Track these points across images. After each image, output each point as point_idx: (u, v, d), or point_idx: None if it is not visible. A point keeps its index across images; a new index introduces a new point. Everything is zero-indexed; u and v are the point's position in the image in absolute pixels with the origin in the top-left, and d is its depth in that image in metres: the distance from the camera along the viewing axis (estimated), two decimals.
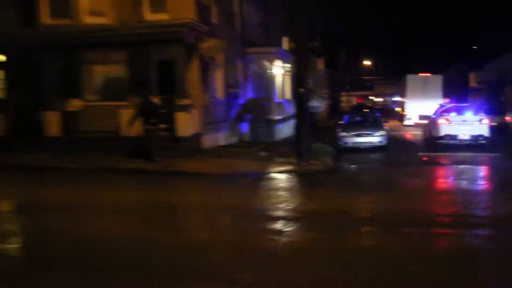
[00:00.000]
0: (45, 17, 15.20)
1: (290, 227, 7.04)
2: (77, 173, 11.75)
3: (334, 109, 29.51)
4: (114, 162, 12.49)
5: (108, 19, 15.07)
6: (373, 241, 6.36)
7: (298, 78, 13.60)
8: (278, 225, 7.14)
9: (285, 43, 21.51)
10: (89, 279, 4.89)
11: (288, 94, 22.56)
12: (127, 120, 13.14)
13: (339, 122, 18.72)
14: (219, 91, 17.19)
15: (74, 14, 15.08)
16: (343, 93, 52.17)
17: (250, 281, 4.91)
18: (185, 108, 14.15)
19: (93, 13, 15.14)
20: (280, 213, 7.95)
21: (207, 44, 14.98)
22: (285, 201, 9.02)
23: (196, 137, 14.57)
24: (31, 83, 15.37)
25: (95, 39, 14.85)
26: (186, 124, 14.11)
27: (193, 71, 14.85)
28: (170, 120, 14.09)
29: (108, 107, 14.91)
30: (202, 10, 15.26)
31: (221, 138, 16.65)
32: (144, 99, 12.71)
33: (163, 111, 14.06)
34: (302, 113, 13.27)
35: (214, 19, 16.36)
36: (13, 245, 6.45)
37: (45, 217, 7.65)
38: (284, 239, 6.41)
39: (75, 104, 15.11)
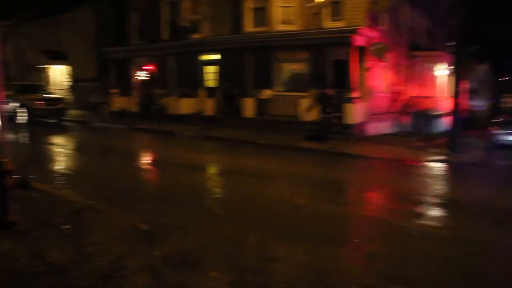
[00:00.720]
0: (248, 26, 19.72)
1: (429, 211, 7.72)
2: (262, 147, 14.79)
3: (496, 109, 29.23)
4: (291, 140, 15.50)
5: (295, 26, 18.70)
6: (496, 236, 6.52)
7: (456, 79, 14.97)
8: (419, 209, 7.82)
9: (448, 48, 22.85)
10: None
11: (448, 93, 23.80)
12: (304, 107, 16.72)
13: (497, 120, 19.22)
14: (384, 87, 19.71)
15: (269, 23, 19.17)
16: (506, 95, 49.88)
17: (373, 251, 5.81)
18: (353, 100, 16.65)
19: (283, 22, 19.01)
20: (423, 198, 8.68)
21: (375, 47, 17.53)
22: (430, 187, 9.80)
23: (361, 125, 17.06)
24: (235, 76, 19.97)
25: (284, 42, 18.47)
26: (353, 113, 16.58)
27: (362, 69, 17.59)
28: (340, 110, 17.13)
29: (291, 96, 18.54)
30: (373, 18, 17.74)
31: (383, 127, 19.03)
32: (322, 92, 15.95)
33: (336, 102, 17.36)
34: (458, 110, 14.76)
35: (384, 25, 18.89)
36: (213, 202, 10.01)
37: (234, 179, 10.19)
38: (419, 222, 7.06)
39: (266, 93, 19.24)
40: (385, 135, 18.18)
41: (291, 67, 19.89)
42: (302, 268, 5.32)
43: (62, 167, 11.34)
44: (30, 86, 24.05)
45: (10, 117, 20.88)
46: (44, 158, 12.53)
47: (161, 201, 8.20)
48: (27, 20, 34.81)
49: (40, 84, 26.57)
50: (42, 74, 33.74)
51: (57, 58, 31.47)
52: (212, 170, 11.96)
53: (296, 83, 19.16)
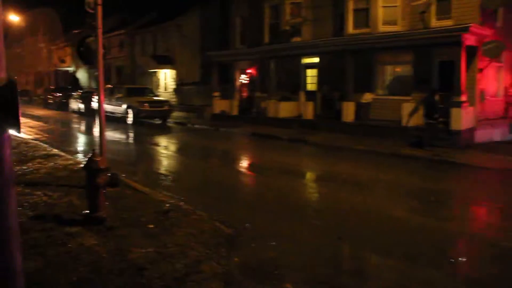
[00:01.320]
0: (350, 28, 19.16)
1: None
2: (361, 153, 14.15)
3: None
4: (392, 147, 14.69)
5: (399, 26, 17.83)
6: None
7: None
8: None
9: None
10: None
11: None
12: (407, 112, 15.87)
13: None
14: (499, 90, 18.13)
15: (372, 24, 18.46)
16: None
17: (472, 276, 5.21)
18: (461, 104, 15.29)
19: (386, 23, 18.20)
20: None
21: (488, 46, 16.17)
22: None
23: (469, 131, 15.79)
24: (335, 79, 19.53)
25: (387, 43, 17.51)
26: (460, 119, 15.24)
27: (472, 71, 16.19)
28: (446, 115, 16.02)
29: (393, 100, 17.75)
30: (486, 14, 16.35)
31: (495, 134, 17.50)
32: (426, 95, 15.04)
33: (441, 106, 16.28)
34: None
35: (498, 21, 17.37)
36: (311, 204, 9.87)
37: (329, 186, 9.88)
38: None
39: (367, 97, 18.58)
40: (498, 142, 16.72)
41: (393, 70, 19.05)
42: None
43: (159, 167, 11.77)
44: (139, 89, 25.55)
45: (121, 118, 22.35)
46: (143, 157, 13.12)
47: (251, 206, 8.13)
48: (140, 29, 37.22)
49: (147, 87, 28.10)
50: (152, 78, 35.78)
51: (165, 62, 33.17)
52: (307, 175, 11.69)
53: (399, 87, 18.29)
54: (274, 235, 6.24)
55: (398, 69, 18.86)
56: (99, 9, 8.07)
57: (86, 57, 8.39)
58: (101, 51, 8.21)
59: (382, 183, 10.24)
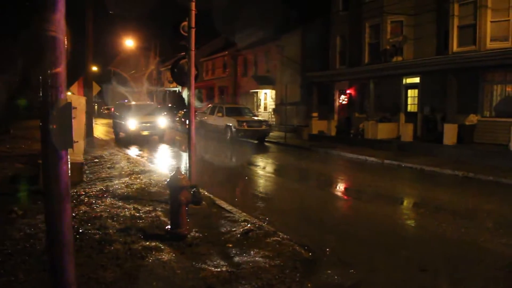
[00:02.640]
0: (454, 46, 18.20)
1: None
2: (462, 179, 13.18)
3: None
4: (497, 172, 13.35)
5: (509, 43, 16.61)
6: None
7: None
8: None
9: None
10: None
11: None
12: None
13: None
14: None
15: (478, 41, 17.39)
16: None
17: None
18: None
19: (495, 39, 17.00)
20: None
21: None
22: None
23: None
24: (437, 100, 18.62)
25: (495, 61, 16.28)
26: None
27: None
28: None
29: (502, 122, 16.51)
30: None
31: None
32: None
33: None
34: None
35: None
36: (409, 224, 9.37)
37: (422, 213, 9.42)
38: None
39: (472, 118, 17.40)
40: None
41: (502, 89, 17.65)
42: None
43: (250, 186, 11.93)
44: (237, 108, 26.23)
45: (221, 136, 23.17)
46: (235, 176, 13.36)
47: (337, 230, 7.92)
48: (242, 50, 38.41)
49: (247, 107, 28.76)
50: (252, 98, 36.65)
51: (266, 83, 33.83)
52: (402, 201, 11.13)
53: (508, 108, 16.92)
54: (354, 263, 6.01)
55: (509, 89, 17.46)
56: (193, 32, 8.45)
57: (178, 78, 8.80)
58: (193, 72, 8.58)
59: (481, 213, 9.40)
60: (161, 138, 23.52)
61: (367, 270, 5.83)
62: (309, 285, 5.14)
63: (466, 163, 15.12)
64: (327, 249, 6.52)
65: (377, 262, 6.18)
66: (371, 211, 9.33)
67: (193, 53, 8.55)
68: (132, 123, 22.23)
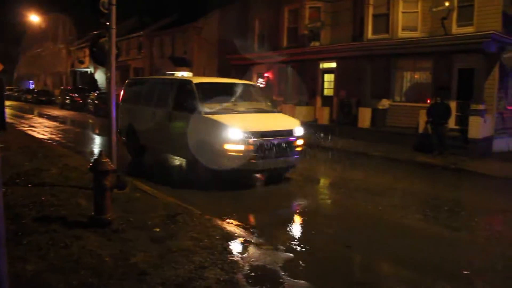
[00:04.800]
0: (368, 33, 18.96)
1: None
2: (376, 159, 14.00)
3: None
4: (407, 153, 14.57)
5: (418, 33, 17.60)
6: None
7: None
8: None
9: None
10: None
11: None
12: (425, 119, 15.57)
13: None
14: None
15: (391, 30, 18.24)
16: None
17: (463, 277, 5.24)
18: (479, 113, 15.01)
19: (406, 29, 17.96)
20: None
21: (509, 54, 15.84)
22: None
23: (487, 140, 15.54)
24: (352, 85, 19.33)
25: (405, 49, 17.30)
26: (478, 127, 14.99)
27: (492, 79, 15.90)
28: (464, 123, 15.73)
29: (410, 107, 17.50)
30: (509, 21, 16.00)
31: None
32: (435, 102, 14.82)
33: (459, 114, 16.01)
34: None
35: None
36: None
37: (339, 191, 9.83)
38: None
39: (384, 103, 18.30)
40: None
41: (412, 76, 18.71)
42: None
43: (172, 170, 11.71)
44: None
45: None
46: (157, 160, 13.01)
47: (265, 209, 8.00)
48: (159, 31, 37.43)
49: None
50: None
51: (182, 64, 33.24)
52: (319, 181, 11.49)
53: (417, 93, 18.00)
54: (284, 240, 6.13)
55: (417, 76, 18.55)
56: (113, 9, 8.03)
57: (98, 58, 8.36)
58: (114, 51, 8.18)
59: (394, 191, 10.04)
60: (74, 121, 22.35)
61: (296, 248, 5.95)
62: (241, 264, 5.13)
63: (380, 144, 15.97)
64: (257, 230, 6.57)
65: (304, 240, 6.31)
66: (293, 191, 9.57)
67: (114, 32, 8.14)
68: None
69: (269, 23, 24.92)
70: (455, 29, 16.64)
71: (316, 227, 7.07)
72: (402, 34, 17.96)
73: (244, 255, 5.42)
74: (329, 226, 7.17)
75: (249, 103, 10.61)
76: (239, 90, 10.73)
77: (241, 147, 8.81)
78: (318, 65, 21.79)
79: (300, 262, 5.47)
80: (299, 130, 9.77)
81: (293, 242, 6.21)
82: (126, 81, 13.89)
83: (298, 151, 9.79)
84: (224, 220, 6.90)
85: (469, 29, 16.17)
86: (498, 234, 7.34)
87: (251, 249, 5.67)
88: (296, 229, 7.07)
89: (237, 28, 28.22)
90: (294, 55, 21.55)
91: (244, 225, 6.81)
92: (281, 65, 23.05)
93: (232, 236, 6.05)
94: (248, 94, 11.12)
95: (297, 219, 7.64)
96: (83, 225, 5.93)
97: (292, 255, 5.66)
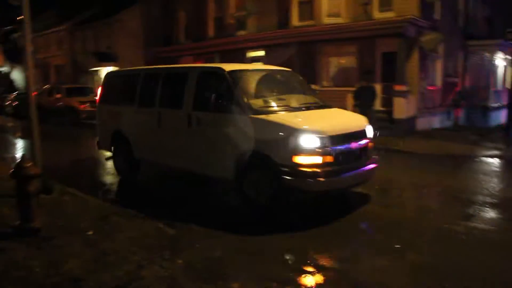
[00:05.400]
0: (294, 21, 19.18)
1: (481, 212, 6.99)
2: None
3: None
4: None
5: (342, 19, 18.00)
6: None
7: None
8: (470, 210, 7.13)
9: (508, 35, 21.59)
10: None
11: (506, 84, 22.56)
12: (352, 103, 15.99)
13: None
14: (437, 79, 18.67)
15: (316, 16, 18.55)
16: None
17: (411, 258, 5.23)
18: (403, 94, 15.78)
19: (330, 15, 18.33)
20: (474, 197, 7.87)
21: (427, 38, 16.56)
22: (483, 185, 8.89)
23: (411, 119, 16.29)
24: None
25: (331, 35, 17.75)
26: (402, 107, 15.75)
27: (412, 61, 16.62)
28: (389, 104, 16.35)
29: (338, 91, 17.87)
30: (425, 6, 16.71)
31: (435, 121, 18.10)
32: (361, 85, 15.29)
33: (384, 96, 16.61)
34: None
35: (436, 14, 17.84)
36: None
37: None
38: (469, 224, 6.40)
39: (313, 88, 18.62)
40: (437, 129, 17.29)
41: (338, 61, 19.17)
42: None
43: (100, 170, 11.27)
44: (78, 88, 24.53)
45: (60, 119, 21.43)
46: (84, 161, 12.47)
47: (191, 203, 7.88)
48: (80, 25, 35.90)
49: (88, 86, 27.03)
50: (94, 77, 34.61)
51: (108, 60, 32.12)
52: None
53: (344, 78, 18.46)
54: (219, 235, 6.04)
55: (343, 61, 19.03)
56: (26, 1, 7.50)
57: (12, 55, 7.82)
58: (29, 48, 7.69)
59: None
60: None
61: (230, 240, 5.88)
62: (179, 261, 5.02)
63: None
64: (191, 224, 6.41)
65: (236, 230, 6.25)
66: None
67: (28, 26, 7.64)
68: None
69: (194, 13, 24.57)
70: (377, 14, 17.17)
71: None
72: (327, 20, 18.31)
73: (182, 252, 5.29)
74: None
75: (298, 96, 7.93)
76: (282, 79, 8.46)
77: (319, 159, 6.28)
78: (246, 54, 21.77)
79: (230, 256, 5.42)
80: (369, 130, 7.42)
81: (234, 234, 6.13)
82: (106, 74, 10.60)
83: (375, 158, 7.53)
84: (160, 219, 6.69)
85: (389, 14, 16.74)
86: (427, 208, 7.64)
87: (188, 244, 5.57)
88: None
89: (162, 20, 27.62)
90: (222, 45, 21.42)
91: (179, 221, 6.61)
92: (209, 55, 22.83)
93: (167, 233, 5.91)
94: (292, 84, 8.54)
95: None
96: (8, 236, 5.54)
97: (228, 247, 5.59)
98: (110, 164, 10.93)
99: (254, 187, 6.78)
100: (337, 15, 18.19)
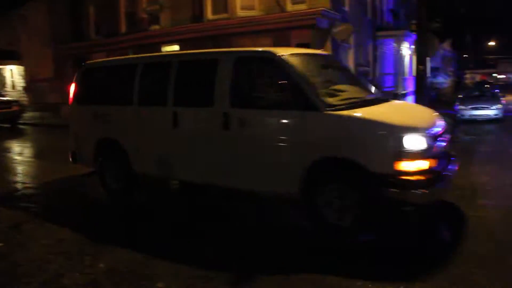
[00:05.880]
0: (209, 14, 18.99)
1: None
2: None
3: (458, 86, 30.27)
4: None
5: (256, 11, 18.05)
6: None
7: (418, 57, 15.10)
8: None
9: (411, 26, 23.04)
10: None
11: (414, 72, 24.07)
12: None
13: (458, 96, 19.56)
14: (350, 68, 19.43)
15: (230, 9, 18.48)
16: (468, 71, 55.48)
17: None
18: None
19: (244, 8, 18.31)
20: None
21: (338, 29, 17.06)
22: None
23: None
24: None
25: (245, 28, 17.70)
26: None
27: (326, 52, 17.16)
28: None
29: None
30: None
31: None
32: None
33: None
34: (421, 88, 14.87)
35: (346, 6, 18.49)
36: None
37: None
38: None
39: None
40: None
41: None
42: None
43: (10, 175, 10.46)
44: None
45: None
46: None
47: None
48: None
49: None
50: None
51: (10, 58, 30.09)
52: None
53: None
54: (139, 239, 5.79)
55: None
56: None
57: None
58: None
59: None
60: None
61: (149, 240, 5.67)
62: (101, 265, 4.77)
63: None
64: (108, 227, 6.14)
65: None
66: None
67: None
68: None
69: (104, 8, 23.57)
70: (290, 7, 17.38)
71: None
72: (241, 13, 18.29)
73: (103, 256, 5.02)
74: None
75: (356, 88, 6.38)
76: (335, 66, 7.07)
77: (425, 164, 4.92)
78: (160, 49, 21.26)
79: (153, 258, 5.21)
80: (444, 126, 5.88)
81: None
82: (82, 66, 8.33)
83: (455, 158, 6.02)
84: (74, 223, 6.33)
85: (302, 7, 17.02)
86: None
87: (108, 248, 5.29)
88: None
89: (71, 15, 26.29)
90: (135, 40, 20.82)
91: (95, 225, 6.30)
92: (122, 51, 22.03)
93: (85, 238, 5.62)
94: (343, 72, 7.14)
95: None
96: None
97: (146, 249, 5.38)
98: (18, 166, 10.19)
99: (330, 204, 5.28)
100: (251, 8, 18.23)
